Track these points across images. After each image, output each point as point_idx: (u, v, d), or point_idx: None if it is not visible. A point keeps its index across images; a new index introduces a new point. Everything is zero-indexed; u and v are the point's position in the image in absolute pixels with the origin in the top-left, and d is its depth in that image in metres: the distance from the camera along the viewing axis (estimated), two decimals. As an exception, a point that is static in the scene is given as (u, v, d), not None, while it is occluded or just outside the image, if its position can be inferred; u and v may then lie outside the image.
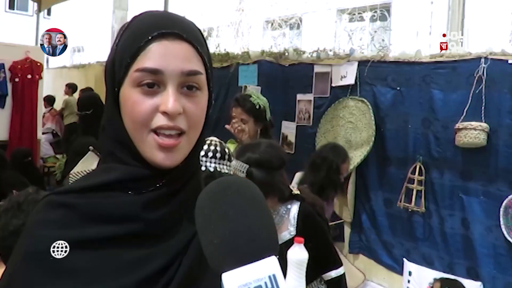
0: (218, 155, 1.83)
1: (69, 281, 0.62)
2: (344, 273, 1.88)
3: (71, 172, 2.71)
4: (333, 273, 1.84)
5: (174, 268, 0.64)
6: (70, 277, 0.62)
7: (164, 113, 0.64)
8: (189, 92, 0.66)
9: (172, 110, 0.63)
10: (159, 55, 0.63)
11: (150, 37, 0.63)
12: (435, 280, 2.73)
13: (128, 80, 0.65)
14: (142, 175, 0.66)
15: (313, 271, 1.79)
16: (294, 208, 1.80)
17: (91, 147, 2.72)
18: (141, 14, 0.70)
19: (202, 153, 1.95)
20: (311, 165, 3.08)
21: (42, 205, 0.69)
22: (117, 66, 0.67)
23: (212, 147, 1.96)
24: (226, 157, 1.72)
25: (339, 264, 1.88)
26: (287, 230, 1.78)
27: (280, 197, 1.78)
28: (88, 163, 2.70)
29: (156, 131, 0.65)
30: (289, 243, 1.69)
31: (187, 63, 0.65)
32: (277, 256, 0.52)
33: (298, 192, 1.87)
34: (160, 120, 0.64)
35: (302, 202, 1.81)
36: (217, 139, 2.05)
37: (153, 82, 0.64)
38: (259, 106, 2.52)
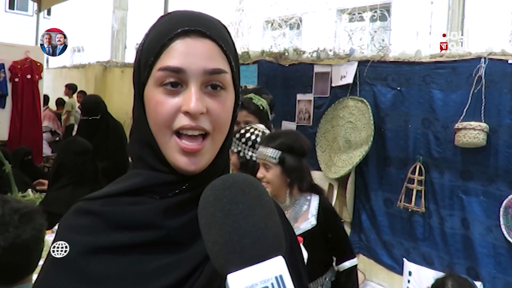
0: (257, 145, 1.90)
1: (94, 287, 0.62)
2: (357, 264, 1.96)
3: None
4: (348, 263, 1.91)
5: (195, 277, 0.62)
6: (95, 283, 0.62)
7: (186, 113, 0.62)
8: (213, 92, 0.64)
9: (194, 109, 0.61)
10: (182, 53, 0.62)
11: (173, 35, 0.62)
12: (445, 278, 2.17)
13: (151, 80, 0.64)
14: (166, 180, 0.65)
15: (329, 260, 1.92)
16: (315, 200, 1.86)
17: None
18: (167, 14, 0.69)
19: (243, 140, 2.00)
20: None
21: (69, 212, 0.70)
22: (142, 66, 0.66)
23: (253, 136, 1.99)
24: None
25: (353, 255, 1.96)
26: (307, 221, 1.84)
27: (302, 185, 1.85)
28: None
29: (179, 132, 0.63)
30: (313, 232, 1.80)
31: (210, 61, 0.63)
32: (284, 256, 0.51)
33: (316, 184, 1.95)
34: (182, 121, 0.62)
35: (322, 195, 1.89)
36: (263, 127, 2.07)
37: (176, 81, 0.63)
38: (262, 107, 2.54)
